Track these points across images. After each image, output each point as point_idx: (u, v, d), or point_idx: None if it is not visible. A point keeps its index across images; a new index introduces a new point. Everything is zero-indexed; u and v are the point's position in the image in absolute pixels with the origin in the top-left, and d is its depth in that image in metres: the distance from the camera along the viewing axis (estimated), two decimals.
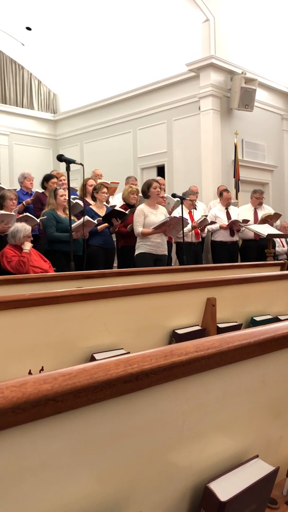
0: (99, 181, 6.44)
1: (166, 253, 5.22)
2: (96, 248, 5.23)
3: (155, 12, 8.55)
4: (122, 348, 2.04)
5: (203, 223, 6.29)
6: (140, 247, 5.07)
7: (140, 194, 5.78)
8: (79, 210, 5.27)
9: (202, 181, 8.24)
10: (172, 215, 5.50)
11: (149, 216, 5.03)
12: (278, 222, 7.22)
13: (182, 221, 5.14)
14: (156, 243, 5.05)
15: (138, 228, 5.01)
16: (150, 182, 5.16)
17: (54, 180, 5.89)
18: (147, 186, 5.12)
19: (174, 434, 0.90)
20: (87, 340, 1.98)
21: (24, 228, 4.31)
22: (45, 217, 4.93)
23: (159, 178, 6.79)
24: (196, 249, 6.36)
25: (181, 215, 5.14)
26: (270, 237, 5.87)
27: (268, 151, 9.34)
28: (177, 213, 5.59)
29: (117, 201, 6.62)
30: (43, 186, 5.93)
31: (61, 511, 0.73)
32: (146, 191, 5.12)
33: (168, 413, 0.88)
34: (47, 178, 5.92)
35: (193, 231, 6.18)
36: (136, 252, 5.12)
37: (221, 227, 6.49)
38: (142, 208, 5.10)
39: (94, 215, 5.29)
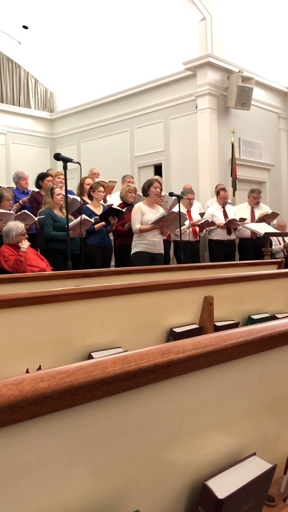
0: (96, 180, 6.43)
1: (163, 252, 5.20)
2: (93, 247, 5.22)
3: (152, 11, 8.54)
4: (120, 347, 2.03)
5: (205, 223, 6.29)
6: (137, 246, 5.02)
7: (139, 193, 5.77)
8: (76, 207, 5.26)
9: (199, 180, 8.25)
10: (171, 210, 5.52)
11: (146, 214, 5.00)
12: (274, 221, 7.23)
13: (179, 216, 5.15)
14: (153, 241, 5.02)
15: (136, 225, 4.96)
16: (152, 181, 5.13)
17: (49, 178, 5.87)
18: (148, 185, 5.09)
19: (172, 432, 0.90)
20: (84, 338, 1.98)
21: (16, 226, 4.26)
22: (42, 216, 4.92)
23: (158, 177, 6.77)
24: (193, 248, 6.37)
25: (179, 211, 5.15)
26: (267, 235, 5.88)
27: (265, 150, 9.35)
28: (175, 209, 5.60)
29: (114, 199, 6.61)
30: (37, 185, 5.90)
31: (58, 509, 0.73)
32: (147, 189, 5.10)
33: (165, 411, 0.88)
34: (41, 177, 5.89)
35: (191, 229, 6.18)
36: (133, 251, 5.07)
37: (218, 226, 6.49)
38: (140, 205, 5.07)
39: (91, 213, 5.28)
